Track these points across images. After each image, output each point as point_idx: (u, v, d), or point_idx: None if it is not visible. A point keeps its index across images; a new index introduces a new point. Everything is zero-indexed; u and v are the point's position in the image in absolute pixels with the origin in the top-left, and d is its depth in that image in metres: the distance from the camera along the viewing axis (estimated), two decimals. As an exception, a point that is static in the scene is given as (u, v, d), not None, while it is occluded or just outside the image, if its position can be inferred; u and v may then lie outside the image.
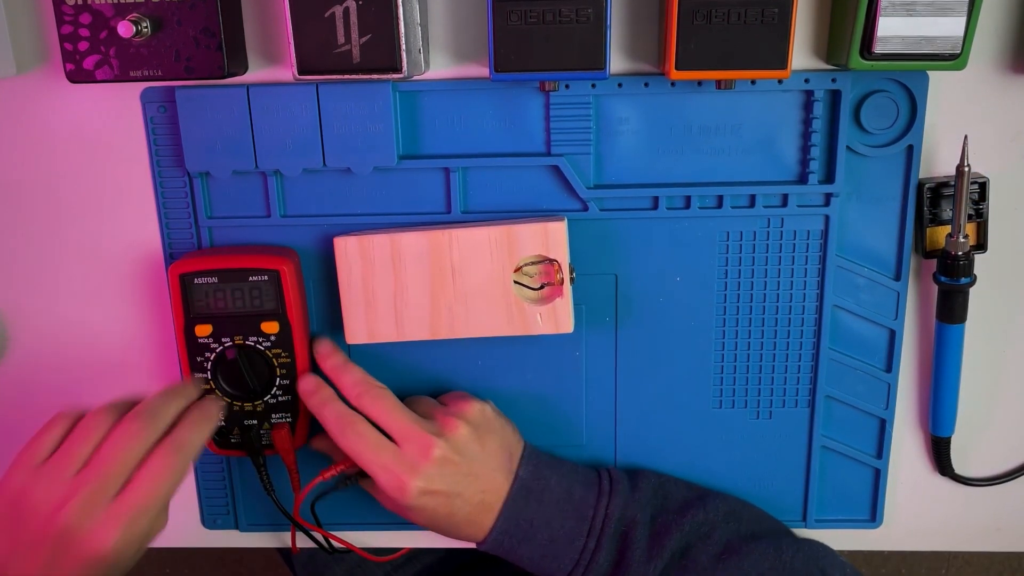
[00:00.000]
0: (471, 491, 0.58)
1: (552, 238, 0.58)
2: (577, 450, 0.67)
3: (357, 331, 0.61)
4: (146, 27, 0.54)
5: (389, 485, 0.57)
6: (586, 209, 0.62)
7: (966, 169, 0.57)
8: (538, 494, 0.60)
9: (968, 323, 0.62)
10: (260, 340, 0.61)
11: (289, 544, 0.69)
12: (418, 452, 0.57)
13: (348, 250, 0.59)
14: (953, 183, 0.59)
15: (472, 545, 0.62)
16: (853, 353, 0.65)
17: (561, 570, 0.60)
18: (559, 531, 0.59)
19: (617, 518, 0.60)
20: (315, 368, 0.65)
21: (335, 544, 0.68)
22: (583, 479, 0.62)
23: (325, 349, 0.62)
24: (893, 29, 0.53)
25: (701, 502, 0.62)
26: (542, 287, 0.59)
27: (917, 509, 0.69)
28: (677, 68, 0.54)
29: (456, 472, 0.58)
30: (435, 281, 0.58)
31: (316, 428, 0.66)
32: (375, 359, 0.65)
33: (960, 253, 0.60)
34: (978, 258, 0.61)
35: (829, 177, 0.60)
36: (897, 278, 0.63)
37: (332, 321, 0.64)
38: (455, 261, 0.57)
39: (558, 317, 0.59)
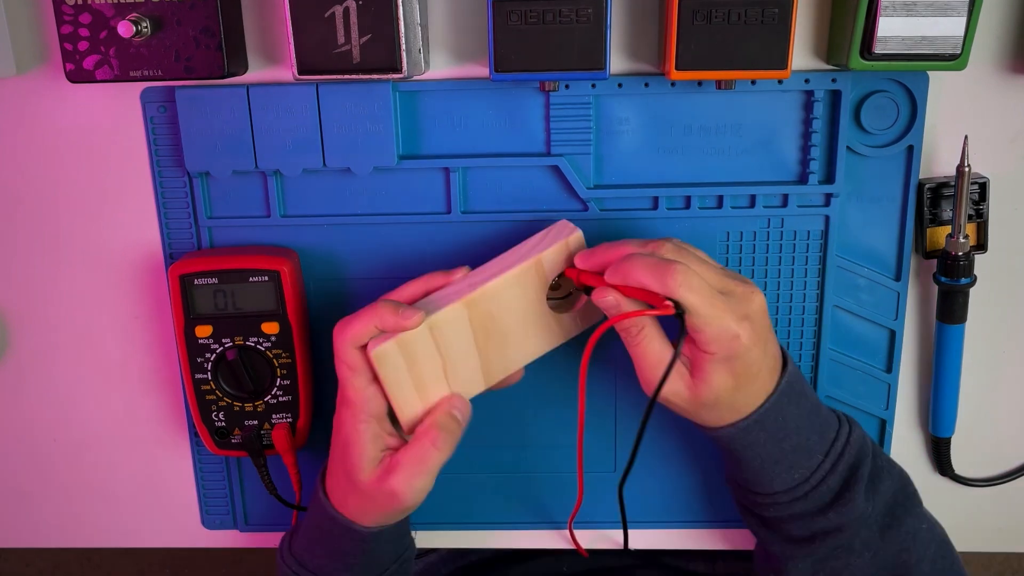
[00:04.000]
0: (765, 358, 0.53)
1: (574, 249, 0.56)
2: (575, 449, 0.67)
3: (414, 420, 0.56)
4: (146, 27, 0.54)
5: (723, 333, 0.51)
6: (586, 209, 0.62)
7: (966, 169, 0.57)
8: (797, 396, 0.55)
9: (968, 323, 0.62)
10: (260, 340, 0.61)
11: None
12: (745, 300, 0.52)
13: (389, 356, 0.53)
14: (953, 183, 0.59)
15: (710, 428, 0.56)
16: (853, 353, 0.65)
17: (786, 482, 0.56)
18: (804, 441, 0.55)
19: (857, 449, 0.57)
20: (318, 365, 0.65)
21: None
22: (823, 404, 0.58)
23: (585, 254, 0.55)
24: (893, 29, 0.53)
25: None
26: (569, 295, 0.58)
27: (917, 509, 0.69)
28: (677, 68, 0.54)
29: (766, 329, 0.53)
30: (478, 336, 0.55)
31: (317, 427, 0.66)
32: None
33: (960, 253, 0.60)
34: (978, 258, 0.61)
35: (829, 177, 0.60)
36: (897, 278, 0.63)
37: (332, 321, 0.64)
38: (493, 310, 0.55)
39: (590, 312, 0.58)
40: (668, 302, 0.49)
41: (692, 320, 0.50)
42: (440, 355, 0.54)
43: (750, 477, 0.57)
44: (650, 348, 0.53)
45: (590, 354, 0.52)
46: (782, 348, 0.56)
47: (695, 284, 0.49)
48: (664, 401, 0.54)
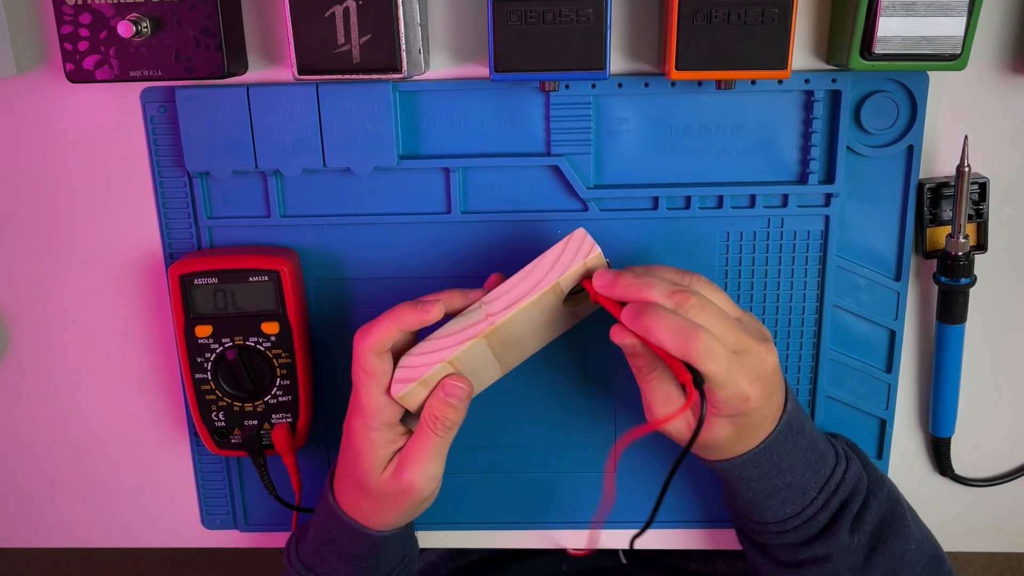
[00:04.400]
0: (769, 409, 0.54)
1: (592, 268, 0.55)
2: (576, 449, 0.67)
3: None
4: (146, 27, 0.54)
5: (735, 396, 0.51)
6: (586, 209, 0.61)
7: (966, 169, 0.57)
8: (795, 435, 0.56)
9: (968, 323, 0.62)
10: (260, 340, 0.61)
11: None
12: (760, 361, 0.52)
13: (415, 394, 0.54)
14: (953, 183, 0.59)
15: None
16: (853, 353, 0.65)
17: (777, 515, 0.57)
18: (798, 478, 0.56)
19: (851, 486, 0.58)
20: (322, 365, 0.65)
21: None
22: (823, 437, 0.59)
23: (606, 280, 0.53)
24: (893, 29, 0.53)
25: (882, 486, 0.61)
26: (580, 291, 0.58)
27: (917, 509, 0.68)
28: (677, 68, 0.54)
29: (775, 385, 0.53)
30: (496, 352, 0.55)
31: (317, 427, 0.66)
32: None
33: (960, 253, 0.60)
34: (978, 258, 0.61)
35: (829, 177, 0.60)
36: (897, 278, 0.63)
37: (332, 321, 0.64)
38: (512, 331, 0.55)
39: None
40: (688, 374, 0.49)
41: (707, 384, 0.50)
42: (459, 374, 0.55)
43: (742, 506, 0.58)
44: (659, 387, 0.54)
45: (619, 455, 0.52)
46: (786, 384, 0.57)
47: (716, 352, 0.49)
48: (664, 432, 0.55)
